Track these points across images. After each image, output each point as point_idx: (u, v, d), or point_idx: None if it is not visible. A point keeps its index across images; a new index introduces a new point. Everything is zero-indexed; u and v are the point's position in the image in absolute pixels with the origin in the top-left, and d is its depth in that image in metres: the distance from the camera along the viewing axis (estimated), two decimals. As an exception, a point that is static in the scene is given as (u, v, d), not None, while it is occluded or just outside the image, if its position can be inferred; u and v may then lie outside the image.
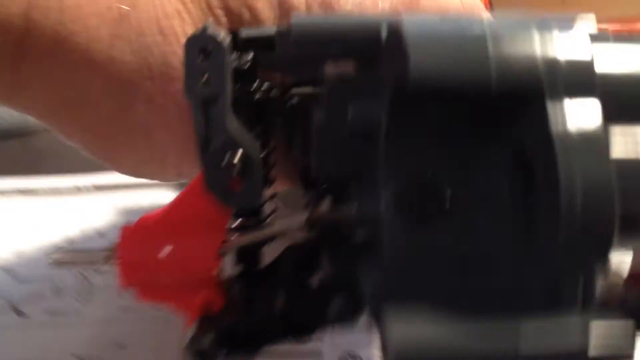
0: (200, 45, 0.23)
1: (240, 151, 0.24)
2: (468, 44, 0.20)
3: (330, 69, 0.24)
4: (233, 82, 0.26)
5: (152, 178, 0.32)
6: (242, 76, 0.26)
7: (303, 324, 0.25)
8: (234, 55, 0.26)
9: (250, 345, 0.25)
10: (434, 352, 0.19)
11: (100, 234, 0.44)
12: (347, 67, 0.24)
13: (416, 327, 0.19)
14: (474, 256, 0.22)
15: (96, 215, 0.45)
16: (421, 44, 0.19)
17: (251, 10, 0.28)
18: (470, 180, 0.23)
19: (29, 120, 0.29)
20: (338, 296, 0.25)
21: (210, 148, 0.24)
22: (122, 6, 0.27)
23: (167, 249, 0.25)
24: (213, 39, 0.23)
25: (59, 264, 0.26)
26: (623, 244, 0.20)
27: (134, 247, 0.25)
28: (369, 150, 0.24)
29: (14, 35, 0.26)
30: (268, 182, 0.29)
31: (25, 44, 0.26)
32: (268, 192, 0.29)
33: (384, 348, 0.20)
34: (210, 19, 0.25)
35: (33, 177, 0.49)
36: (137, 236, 0.25)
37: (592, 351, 0.18)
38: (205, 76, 0.23)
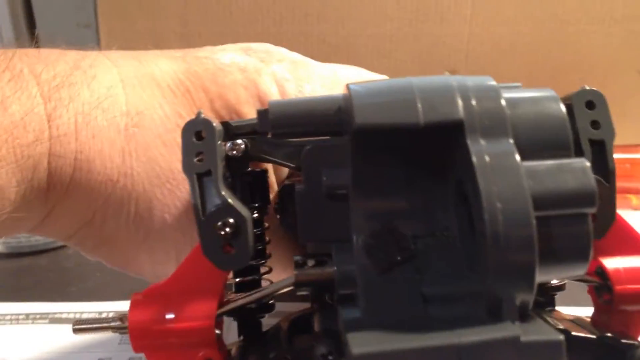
0: (194, 129, 0.27)
1: (231, 217, 0.27)
2: (399, 93, 0.24)
3: (306, 141, 0.29)
4: (227, 166, 0.30)
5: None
6: (236, 162, 0.31)
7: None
8: (229, 145, 0.30)
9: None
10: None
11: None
12: (319, 139, 0.29)
13: (373, 343, 0.21)
14: (432, 288, 0.25)
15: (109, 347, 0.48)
16: (363, 97, 0.24)
17: (238, 114, 0.33)
18: (426, 220, 0.26)
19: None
20: (321, 346, 0.26)
21: (205, 216, 0.27)
22: (130, 128, 0.32)
23: (171, 315, 0.27)
24: (205, 123, 0.27)
25: (79, 331, 0.28)
26: (549, 271, 0.23)
27: (142, 315, 0.27)
28: (342, 211, 0.27)
29: (41, 171, 0.30)
30: (264, 256, 0.32)
31: (51, 177, 0.30)
32: (264, 268, 0.32)
33: None
34: (201, 110, 0.29)
35: (59, 302, 0.52)
36: (145, 304, 0.28)
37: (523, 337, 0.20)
38: (200, 154, 0.27)
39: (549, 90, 0.25)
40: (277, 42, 0.39)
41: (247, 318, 0.31)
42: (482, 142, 0.23)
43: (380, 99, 0.24)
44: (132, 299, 0.28)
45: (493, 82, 0.24)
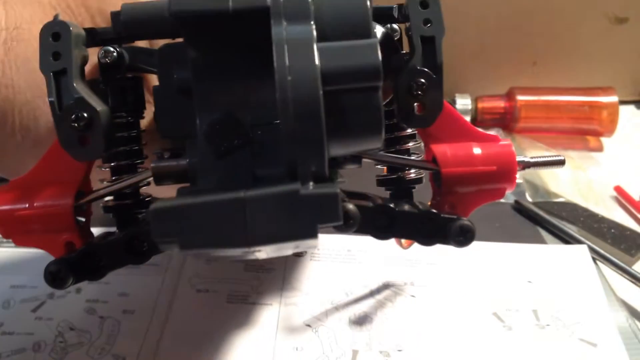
0: (51, 31, 0.29)
1: (84, 111, 0.29)
2: None
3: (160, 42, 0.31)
4: (101, 73, 0.32)
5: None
6: (110, 69, 0.33)
7: (141, 252, 0.30)
8: (101, 53, 0.33)
9: (97, 272, 0.29)
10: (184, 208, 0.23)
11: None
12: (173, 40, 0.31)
13: (173, 201, 0.24)
14: (263, 170, 0.27)
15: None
16: None
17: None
18: (264, 109, 0.28)
19: None
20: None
21: (61, 111, 0.29)
22: (9, 42, 0.34)
23: (32, 202, 0.30)
24: (61, 24, 0.29)
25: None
26: (345, 142, 0.25)
27: (5, 202, 0.30)
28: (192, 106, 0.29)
29: None
30: (141, 157, 0.34)
31: None
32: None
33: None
34: (59, 12, 0.31)
35: None
36: (8, 194, 0.30)
37: (302, 190, 0.23)
38: (56, 54, 0.29)
39: None
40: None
41: (124, 214, 0.34)
42: (285, 25, 0.25)
43: None
44: (-3, 192, 0.30)
45: None
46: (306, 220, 0.23)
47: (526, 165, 0.31)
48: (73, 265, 0.29)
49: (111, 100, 0.33)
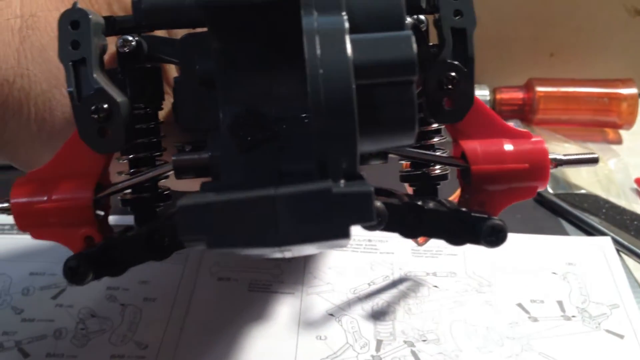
0: (70, 19, 0.28)
1: (105, 102, 0.28)
2: None
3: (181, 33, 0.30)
4: (119, 63, 0.31)
5: None
6: (129, 59, 0.32)
7: (162, 248, 0.29)
8: (119, 41, 0.32)
9: (117, 267, 0.29)
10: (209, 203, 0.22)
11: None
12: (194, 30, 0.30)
13: (200, 198, 0.23)
14: (289, 165, 0.26)
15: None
16: None
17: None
18: (289, 103, 0.27)
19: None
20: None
21: (80, 101, 0.28)
22: (25, 30, 0.33)
23: (50, 194, 0.29)
24: (80, 12, 0.28)
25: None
26: (377, 138, 0.24)
27: (23, 195, 0.29)
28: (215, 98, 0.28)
29: None
30: (159, 149, 0.33)
31: None
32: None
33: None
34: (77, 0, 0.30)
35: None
36: (26, 186, 0.29)
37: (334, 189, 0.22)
38: (75, 43, 0.28)
39: None
40: None
41: (142, 208, 0.33)
42: (315, 14, 0.24)
43: None
44: (15, 181, 0.29)
45: None
46: (339, 219, 0.22)
47: (559, 162, 0.30)
48: (93, 261, 0.28)
49: (130, 90, 0.32)
